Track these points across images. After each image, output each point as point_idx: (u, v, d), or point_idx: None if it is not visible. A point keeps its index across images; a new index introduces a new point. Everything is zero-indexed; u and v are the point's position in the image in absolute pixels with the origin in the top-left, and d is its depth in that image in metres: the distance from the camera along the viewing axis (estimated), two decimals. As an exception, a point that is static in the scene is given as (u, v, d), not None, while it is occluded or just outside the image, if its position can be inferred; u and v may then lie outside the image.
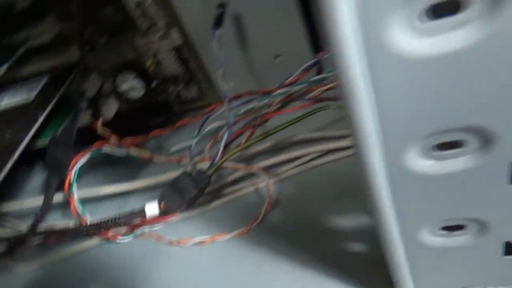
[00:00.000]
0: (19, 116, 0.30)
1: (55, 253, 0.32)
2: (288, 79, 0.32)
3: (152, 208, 0.27)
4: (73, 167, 0.29)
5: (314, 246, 0.24)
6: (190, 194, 0.27)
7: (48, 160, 0.29)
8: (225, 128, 0.28)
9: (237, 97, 0.31)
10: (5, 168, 0.26)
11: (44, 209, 0.29)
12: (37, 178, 0.40)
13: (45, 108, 0.30)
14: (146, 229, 0.30)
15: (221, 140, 0.32)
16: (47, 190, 0.29)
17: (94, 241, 0.31)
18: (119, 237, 0.30)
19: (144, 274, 0.28)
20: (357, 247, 0.23)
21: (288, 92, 0.32)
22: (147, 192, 0.32)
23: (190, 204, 0.28)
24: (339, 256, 0.23)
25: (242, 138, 0.30)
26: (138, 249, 0.30)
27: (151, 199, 0.28)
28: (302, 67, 0.32)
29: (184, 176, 0.27)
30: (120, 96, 0.35)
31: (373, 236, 0.22)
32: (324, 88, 0.31)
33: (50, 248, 0.32)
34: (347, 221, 0.24)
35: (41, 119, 0.29)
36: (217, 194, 0.30)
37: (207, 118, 0.33)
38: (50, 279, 0.31)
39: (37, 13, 0.34)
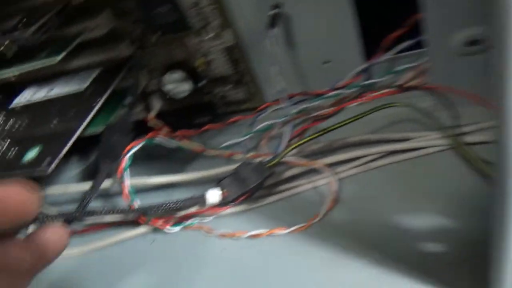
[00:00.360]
0: (74, 105, 0.30)
1: (100, 240, 0.31)
2: (340, 82, 0.33)
3: (213, 195, 0.27)
4: (126, 154, 0.29)
5: (380, 245, 0.24)
6: (253, 183, 0.26)
7: (101, 146, 0.29)
8: (288, 124, 0.28)
9: (290, 97, 0.32)
10: (61, 154, 0.26)
11: (94, 191, 0.28)
12: (75, 166, 0.39)
13: (101, 97, 0.30)
14: (195, 221, 0.30)
15: (274, 137, 0.33)
16: (98, 174, 0.29)
17: (141, 229, 0.30)
18: (168, 226, 0.29)
19: (194, 264, 0.27)
20: (428, 247, 0.23)
21: (340, 95, 0.32)
22: (193, 186, 0.32)
23: (252, 194, 0.27)
24: (411, 256, 0.23)
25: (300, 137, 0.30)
26: (187, 240, 0.29)
27: (196, 192, 0.28)
28: (354, 71, 0.33)
29: (247, 166, 0.27)
30: (166, 94, 0.36)
31: (447, 237, 0.23)
32: (377, 93, 0.32)
33: (95, 235, 0.31)
34: (413, 221, 0.24)
35: (96, 107, 0.29)
36: (271, 190, 0.29)
37: (258, 116, 0.34)
38: (94, 265, 0.30)
39: (93, 8, 0.34)
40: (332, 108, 0.31)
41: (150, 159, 0.34)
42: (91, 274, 0.30)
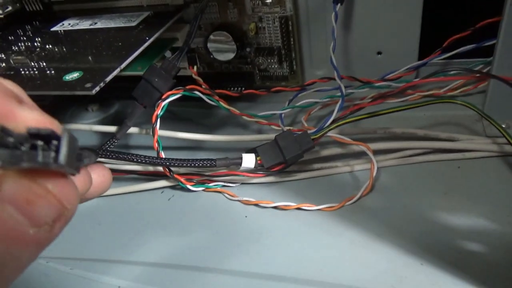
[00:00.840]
0: (122, 38, 0.29)
1: (115, 187, 0.30)
2: (390, 75, 0.32)
3: (248, 160, 0.26)
4: (164, 100, 0.28)
5: (414, 237, 0.23)
6: (292, 154, 0.25)
7: (140, 87, 0.28)
8: (339, 101, 0.27)
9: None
10: (107, 78, 0.24)
11: (123, 130, 0.27)
12: (94, 115, 0.38)
13: (151, 35, 0.28)
14: (219, 185, 0.28)
15: (311, 118, 0.32)
16: (131, 112, 0.28)
17: (159, 183, 0.29)
18: (190, 185, 0.28)
19: (211, 226, 0.26)
20: (466, 245, 0.22)
21: (388, 87, 0.32)
22: (220, 150, 0.31)
23: (287, 166, 0.26)
24: (446, 251, 0.22)
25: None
26: (208, 201, 0.28)
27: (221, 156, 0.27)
28: (408, 66, 0.32)
29: (288, 135, 0.26)
30: (209, 54, 0.35)
31: (489, 239, 0.22)
32: (423, 93, 0.31)
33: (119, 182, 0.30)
34: (452, 219, 0.23)
35: (149, 42, 0.27)
36: (304, 167, 0.28)
37: (299, 93, 0.33)
38: (105, 211, 0.29)
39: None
40: (379, 99, 0.31)
41: (179, 120, 0.33)
42: (101, 218, 0.29)
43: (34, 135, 0.11)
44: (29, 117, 0.12)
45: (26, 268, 0.12)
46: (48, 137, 0.11)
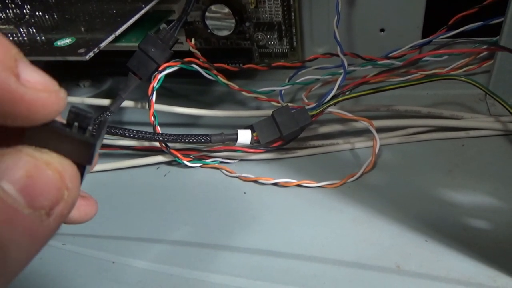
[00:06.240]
0: (115, 5, 0.27)
1: (109, 162, 0.29)
2: (394, 53, 0.31)
3: (244, 136, 0.25)
4: (161, 72, 0.27)
5: (418, 214, 0.22)
6: (289, 130, 0.25)
7: (135, 57, 0.27)
8: (340, 77, 0.26)
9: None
10: (101, 44, 0.23)
11: (116, 105, 0.26)
12: (86, 91, 0.37)
13: (146, 3, 0.27)
14: (217, 161, 0.28)
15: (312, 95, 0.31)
16: (126, 84, 0.26)
17: (155, 159, 0.28)
18: (187, 160, 0.27)
19: (207, 202, 0.25)
20: (471, 222, 0.22)
21: (391, 65, 0.31)
22: (218, 126, 0.30)
23: (286, 143, 0.25)
24: (451, 228, 0.21)
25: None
26: (205, 177, 0.27)
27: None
28: (412, 44, 0.31)
29: (286, 111, 0.25)
30: (207, 28, 0.33)
31: (494, 216, 0.22)
32: (426, 72, 0.31)
33: (104, 157, 0.29)
34: (457, 196, 0.23)
35: (144, 10, 0.26)
36: (304, 144, 0.27)
37: (300, 70, 0.32)
38: (99, 186, 0.28)
39: None
40: (381, 74, 0.30)
41: (175, 97, 0.32)
42: (93, 194, 0.27)
43: (74, 114, 0.11)
44: (34, 78, 0.11)
45: (27, 262, 0.11)
46: (85, 120, 0.11)
